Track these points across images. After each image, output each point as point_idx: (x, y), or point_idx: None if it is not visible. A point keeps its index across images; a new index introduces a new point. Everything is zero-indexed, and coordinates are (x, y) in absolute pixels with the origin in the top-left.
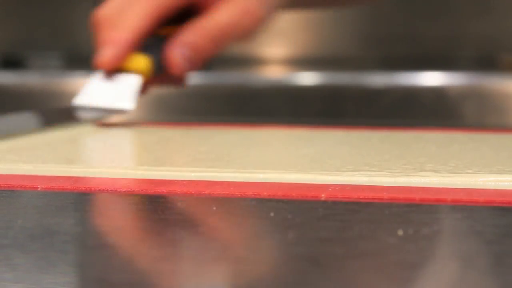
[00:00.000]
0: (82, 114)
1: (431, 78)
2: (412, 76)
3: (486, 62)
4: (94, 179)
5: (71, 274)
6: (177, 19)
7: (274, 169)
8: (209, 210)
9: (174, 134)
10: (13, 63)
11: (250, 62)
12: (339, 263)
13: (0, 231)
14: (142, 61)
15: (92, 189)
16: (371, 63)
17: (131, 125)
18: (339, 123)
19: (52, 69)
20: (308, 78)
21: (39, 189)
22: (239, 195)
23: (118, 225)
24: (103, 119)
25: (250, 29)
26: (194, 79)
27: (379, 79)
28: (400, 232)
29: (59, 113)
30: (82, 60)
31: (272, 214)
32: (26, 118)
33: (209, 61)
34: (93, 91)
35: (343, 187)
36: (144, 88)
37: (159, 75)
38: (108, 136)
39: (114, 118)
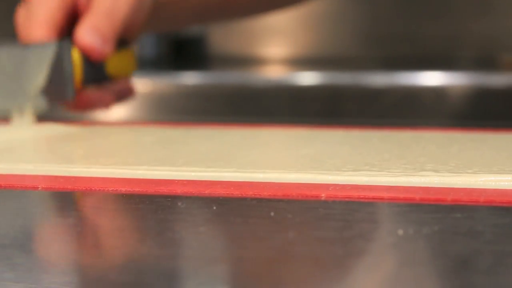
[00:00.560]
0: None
1: (431, 78)
2: (412, 76)
3: (487, 62)
4: (94, 179)
5: (71, 274)
6: None
7: (274, 169)
8: (209, 210)
9: (174, 134)
10: None
11: (250, 62)
12: (339, 263)
13: (0, 231)
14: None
15: (92, 189)
16: (372, 63)
17: (131, 125)
18: (339, 123)
19: None
20: (308, 78)
21: (39, 189)
22: (239, 195)
23: (118, 225)
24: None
25: (143, 12)
26: (194, 79)
27: (379, 79)
28: (400, 232)
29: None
30: None
31: (272, 213)
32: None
33: (123, 41)
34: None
35: (343, 186)
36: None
37: (103, 84)
38: (108, 136)
39: (115, 118)
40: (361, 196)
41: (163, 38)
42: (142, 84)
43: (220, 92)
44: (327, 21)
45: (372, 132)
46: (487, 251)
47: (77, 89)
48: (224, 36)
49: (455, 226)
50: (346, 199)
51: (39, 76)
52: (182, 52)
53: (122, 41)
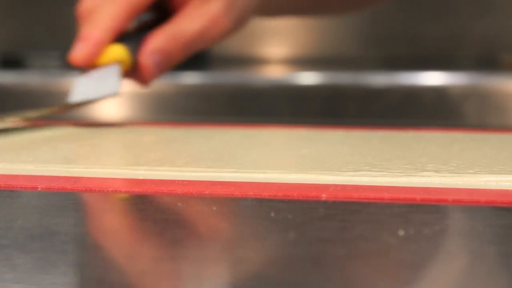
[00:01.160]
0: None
1: (432, 78)
2: (413, 76)
3: (487, 62)
4: (94, 179)
5: (71, 275)
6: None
7: (274, 169)
8: (209, 210)
9: (174, 134)
10: (12, 62)
11: (250, 62)
12: (340, 264)
13: (0, 231)
14: (118, 52)
15: (92, 189)
16: (372, 63)
17: (131, 125)
18: (339, 123)
19: (51, 68)
20: (308, 78)
21: (39, 189)
22: (240, 195)
23: (118, 225)
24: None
25: (217, 38)
26: (194, 79)
27: (380, 79)
28: (401, 232)
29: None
30: None
31: (272, 214)
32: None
33: (176, 65)
34: (80, 88)
35: (344, 187)
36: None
37: (131, 68)
38: (108, 136)
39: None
40: (362, 197)
41: None
42: None
43: (220, 92)
44: (327, 21)
45: (372, 132)
46: (489, 251)
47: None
48: None
49: (456, 226)
50: (347, 200)
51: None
52: None
53: None
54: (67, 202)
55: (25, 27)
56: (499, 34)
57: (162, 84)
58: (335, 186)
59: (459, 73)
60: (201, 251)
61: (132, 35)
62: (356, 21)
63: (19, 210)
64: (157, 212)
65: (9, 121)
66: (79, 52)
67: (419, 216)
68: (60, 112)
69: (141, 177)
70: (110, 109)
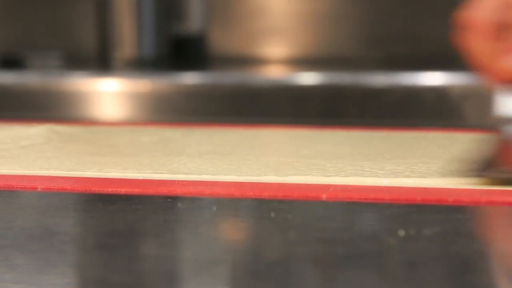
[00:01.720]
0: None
1: (432, 78)
2: (413, 76)
3: None
4: (94, 179)
5: (71, 275)
6: None
7: (274, 170)
8: (209, 210)
9: (174, 134)
10: (12, 62)
11: (250, 62)
12: (340, 264)
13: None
14: None
15: (92, 190)
16: (372, 63)
17: (131, 125)
18: (340, 123)
19: (51, 69)
20: (309, 78)
21: (38, 189)
22: (240, 196)
23: (119, 226)
24: None
25: None
26: (194, 79)
27: (380, 79)
28: (401, 232)
29: None
30: (81, 60)
31: (272, 214)
32: None
33: None
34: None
35: (344, 187)
36: None
37: None
38: (108, 137)
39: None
40: (362, 197)
41: (163, 38)
42: (142, 84)
43: (220, 92)
44: (327, 21)
45: (372, 133)
46: (489, 251)
47: None
48: (224, 36)
49: (457, 227)
50: (347, 200)
51: None
52: (182, 52)
53: None
54: (66, 202)
55: (25, 27)
56: None
57: (162, 84)
58: (335, 186)
59: (459, 73)
60: (201, 251)
61: None
62: (356, 21)
63: (18, 210)
64: (158, 212)
65: None
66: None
67: (419, 216)
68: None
69: (141, 178)
70: (110, 109)
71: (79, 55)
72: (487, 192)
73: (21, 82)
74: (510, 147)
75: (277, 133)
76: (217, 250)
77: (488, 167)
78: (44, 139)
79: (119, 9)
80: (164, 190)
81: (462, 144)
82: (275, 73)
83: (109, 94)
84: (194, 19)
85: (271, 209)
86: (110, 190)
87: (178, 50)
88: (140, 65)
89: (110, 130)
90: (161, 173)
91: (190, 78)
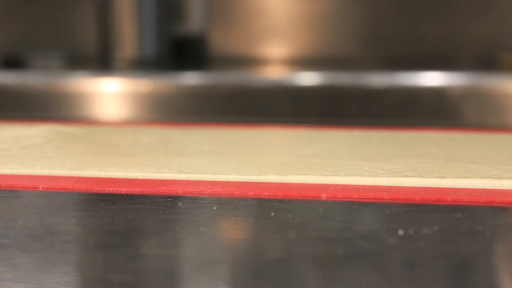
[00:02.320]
0: None
1: (431, 78)
2: (412, 76)
3: (486, 62)
4: (94, 179)
5: (72, 274)
6: None
7: (274, 169)
8: (210, 209)
9: (175, 134)
10: (14, 63)
11: (250, 62)
12: (340, 263)
13: (1, 231)
14: None
15: (93, 189)
16: (372, 63)
17: (131, 125)
18: (339, 123)
19: (52, 69)
20: (308, 78)
21: (40, 189)
22: (240, 195)
23: (119, 225)
24: None
25: None
26: (194, 79)
27: (379, 79)
28: (401, 232)
29: None
30: (82, 60)
31: (272, 214)
32: None
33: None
34: None
35: (344, 187)
36: None
37: None
38: (108, 137)
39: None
40: (362, 196)
41: (163, 38)
42: (142, 84)
43: (220, 92)
44: (327, 21)
45: (372, 132)
46: (488, 250)
47: None
48: (224, 36)
49: (455, 226)
50: (347, 199)
51: None
52: (182, 52)
53: None
54: (68, 202)
55: (26, 27)
56: (499, 34)
57: (162, 84)
58: (335, 186)
59: (459, 73)
60: (201, 251)
61: None
62: (356, 21)
63: (20, 210)
64: (158, 212)
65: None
66: None
67: (418, 216)
68: None
69: (141, 177)
70: (111, 109)
71: (80, 55)
72: (485, 192)
73: (23, 82)
74: None
75: (277, 133)
76: (218, 250)
77: None
78: (46, 139)
79: (120, 10)
80: (164, 190)
81: (461, 144)
82: (275, 73)
83: (110, 94)
84: (194, 20)
85: (271, 209)
86: (111, 189)
87: (179, 50)
88: (141, 65)
89: (111, 130)
90: (161, 172)
91: (191, 78)
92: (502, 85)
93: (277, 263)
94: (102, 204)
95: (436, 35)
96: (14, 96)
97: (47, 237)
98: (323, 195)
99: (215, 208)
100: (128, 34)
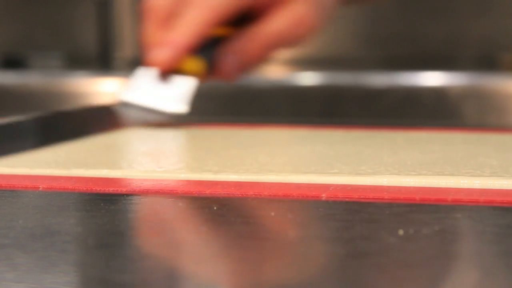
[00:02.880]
0: (127, 112)
1: (431, 78)
2: (412, 76)
3: (487, 62)
4: (94, 179)
5: (72, 274)
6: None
7: (275, 169)
8: (210, 209)
9: (174, 134)
10: (14, 63)
11: None
12: (340, 264)
13: (1, 231)
14: (196, 64)
15: (93, 189)
16: (372, 63)
17: (131, 125)
18: (340, 123)
19: (53, 69)
20: (309, 78)
21: (40, 189)
22: (240, 195)
23: (119, 226)
24: (149, 120)
25: (303, 37)
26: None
27: (380, 79)
28: (401, 232)
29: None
30: (83, 60)
31: (272, 214)
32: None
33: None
34: (143, 89)
35: (344, 187)
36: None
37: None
38: (107, 136)
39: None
40: (362, 196)
41: None
42: None
43: (220, 92)
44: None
45: (372, 132)
46: (488, 251)
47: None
48: None
49: (456, 226)
50: (347, 199)
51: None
52: None
53: None
54: (68, 202)
55: (26, 27)
56: (499, 34)
57: None
58: (335, 186)
59: (459, 73)
60: (201, 251)
61: (207, 47)
62: (356, 21)
63: (20, 210)
64: (158, 212)
65: None
66: (161, 56)
67: (418, 216)
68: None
69: (141, 178)
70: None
71: (80, 55)
72: (486, 192)
73: (23, 82)
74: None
75: (277, 133)
76: (217, 250)
77: None
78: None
79: (120, 10)
80: (164, 190)
81: (461, 144)
82: (275, 73)
83: (110, 94)
84: None
85: (271, 209)
86: (111, 189)
87: None
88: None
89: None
90: (161, 172)
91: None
92: (503, 85)
93: (277, 263)
94: (102, 204)
95: (437, 35)
96: (14, 96)
97: (47, 237)
98: (323, 195)
99: (215, 208)
100: (128, 34)
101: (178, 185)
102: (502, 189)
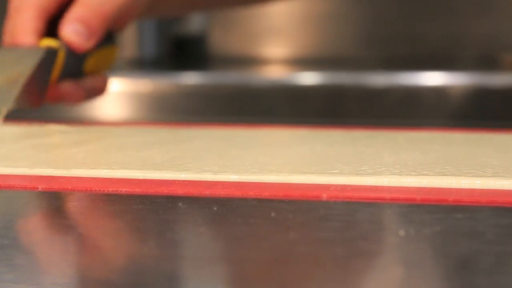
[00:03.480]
0: None
1: (432, 78)
2: (413, 76)
3: (487, 62)
4: (94, 179)
5: (72, 275)
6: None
7: (275, 169)
8: (210, 210)
9: (174, 134)
10: None
11: (250, 62)
12: (340, 264)
13: (0, 231)
14: (50, 40)
15: (93, 190)
16: (373, 63)
17: (131, 125)
18: (340, 123)
19: None
20: (309, 78)
21: (39, 189)
22: (240, 195)
23: (119, 226)
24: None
25: (134, 16)
26: (194, 79)
27: (380, 79)
28: (402, 233)
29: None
30: None
31: (273, 214)
32: None
33: (109, 34)
34: None
35: (344, 187)
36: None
37: (78, 79)
38: (107, 137)
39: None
40: (362, 197)
41: (163, 38)
42: (142, 84)
43: (220, 92)
44: (327, 21)
45: (372, 132)
46: (489, 251)
47: (51, 83)
48: (224, 36)
49: (457, 226)
50: (347, 200)
51: (19, 79)
52: (182, 52)
53: (109, 35)
54: (67, 202)
55: None
56: (499, 34)
57: (162, 84)
58: (336, 186)
59: (460, 73)
60: (201, 252)
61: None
62: (356, 21)
63: (19, 210)
64: (158, 212)
65: None
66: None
67: (419, 216)
68: None
69: (141, 178)
70: (111, 109)
71: None
72: (487, 192)
73: None
74: None
75: (277, 133)
76: (218, 250)
77: None
78: (45, 138)
79: None
80: (164, 190)
81: (461, 144)
82: (275, 73)
83: (110, 94)
84: (194, 19)
85: (271, 209)
86: (111, 189)
87: (179, 50)
88: (141, 65)
89: (110, 130)
90: (161, 172)
91: (191, 78)
92: (504, 85)
93: (277, 263)
94: (102, 204)
95: (437, 35)
96: None
97: (46, 237)
98: (324, 195)
99: (215, 208)
100: (128, 34)
101: (178, 185)
102: (504, 190)
